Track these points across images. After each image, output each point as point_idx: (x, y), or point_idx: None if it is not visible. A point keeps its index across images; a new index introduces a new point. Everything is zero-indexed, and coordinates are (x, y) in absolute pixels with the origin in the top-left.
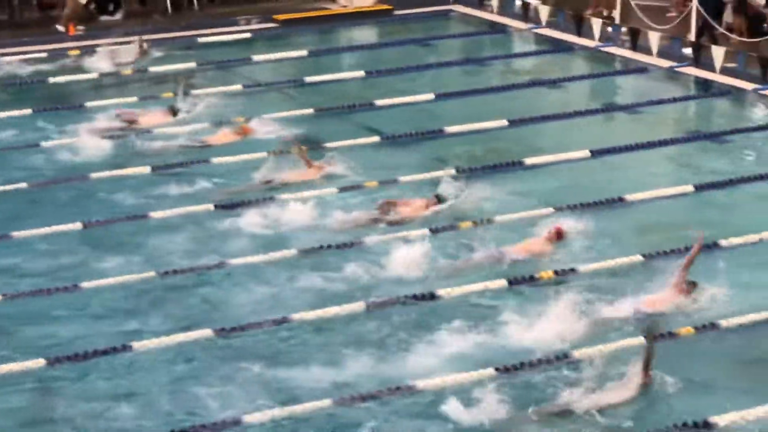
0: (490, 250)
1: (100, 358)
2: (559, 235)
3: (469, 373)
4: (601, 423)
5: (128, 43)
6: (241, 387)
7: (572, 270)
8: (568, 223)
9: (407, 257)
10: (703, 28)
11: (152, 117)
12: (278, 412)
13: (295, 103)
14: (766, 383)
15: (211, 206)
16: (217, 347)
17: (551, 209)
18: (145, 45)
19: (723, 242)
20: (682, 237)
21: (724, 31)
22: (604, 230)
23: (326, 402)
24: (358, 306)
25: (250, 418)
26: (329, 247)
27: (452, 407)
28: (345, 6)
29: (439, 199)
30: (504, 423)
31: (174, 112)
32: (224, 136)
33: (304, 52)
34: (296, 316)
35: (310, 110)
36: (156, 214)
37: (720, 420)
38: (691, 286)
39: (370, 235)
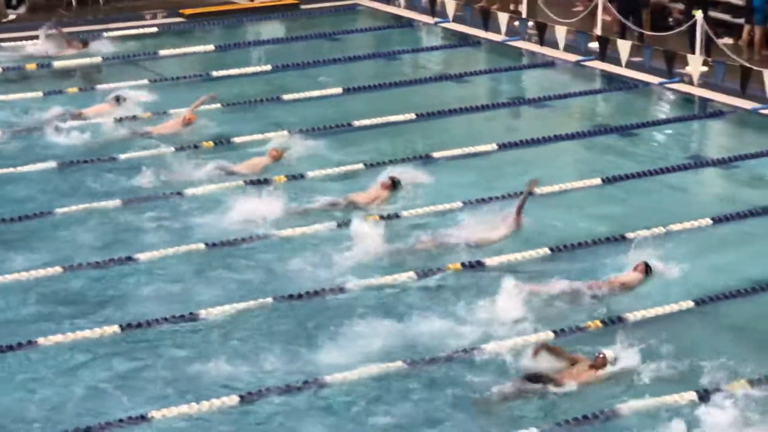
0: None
1: (6, 353)
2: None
3: (378, 366)
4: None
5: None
6: (148, 383)
7: (479, 263)
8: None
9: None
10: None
11: (97, 108)
12: (186, 408)
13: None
14: (666, 375)
15: (118, 201)
16: (123, 343)
17: (460, 203)
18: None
19: (630, 234)
20: (589, 230)
21: (631, 26)
22: None
23: (234, 398)
24: (266, 301)
25: (157, 415)
26: (240, 240)
27: (362, 401)
28: (251, 0)
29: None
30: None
31: (118, 101)
32: (170, 125)
33: (210, 47)
34: (203, 311)
35: (218, 105)
36: (62, 210)
37: (626, 407)
38: (646, 268)
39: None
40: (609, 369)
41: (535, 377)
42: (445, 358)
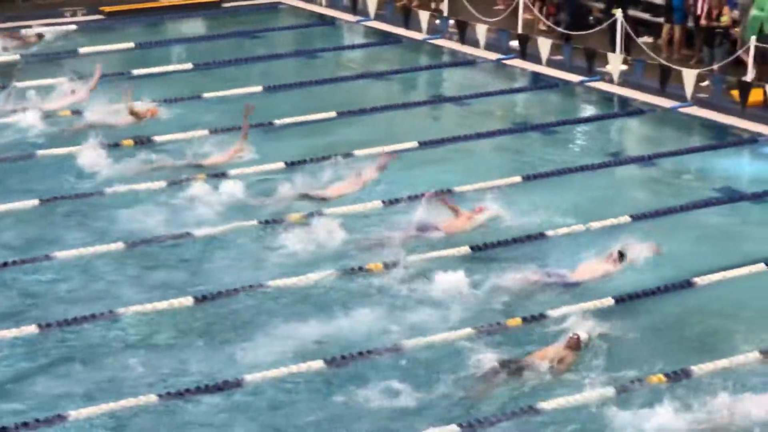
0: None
1: None
2: (621, 257)
3: (298, 366)
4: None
5: None
6: (66, 382)
7: (394, 264)
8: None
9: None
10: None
11: (58, 100)
12: (104, 407)
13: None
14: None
15: (36, 201)
16: (39, 342)
17: (379, 202)
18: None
19: (549, 233)
20: (509, 227)
21: (551, 24)
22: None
23: (152, 398)
24: (186, 300)
25: (74, 414)
26: (162, 238)
27: (282, 400)
28: None
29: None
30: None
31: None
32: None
33: (131, 44)
34: (122, 309)
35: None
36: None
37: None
38: (620, 257)
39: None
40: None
41: (509, 362)
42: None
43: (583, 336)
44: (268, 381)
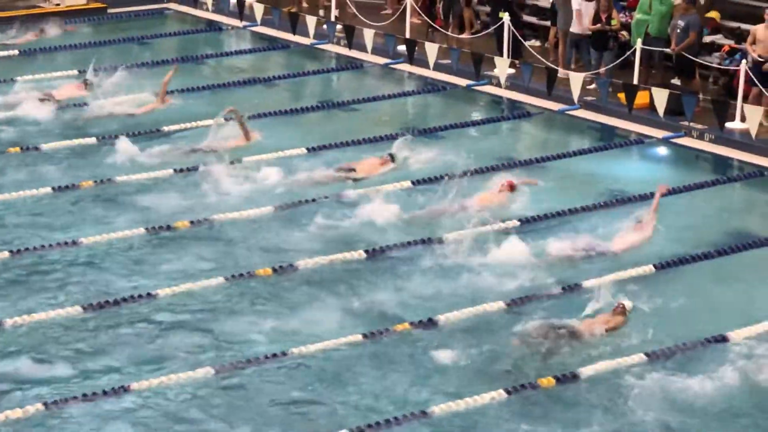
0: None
1: None
2: (511, 188)
3: (187, 373)
4: None
5: None
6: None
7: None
8: None
9: None
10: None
11: (66, 90)
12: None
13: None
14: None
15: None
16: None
17: (271, 208)
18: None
19: (448, 236)
20: (408, 230)
21: (439, 28)
22: (326, 226)
23: (39, 406)
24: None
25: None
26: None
27: (170, 407)
28: (57, 5)
29: (392, 158)
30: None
31: (87, 85)
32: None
33: (15, 52)
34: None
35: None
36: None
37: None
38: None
39: None
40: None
41: (559, 326)
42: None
43: (628, 304)
44: (155, 388)
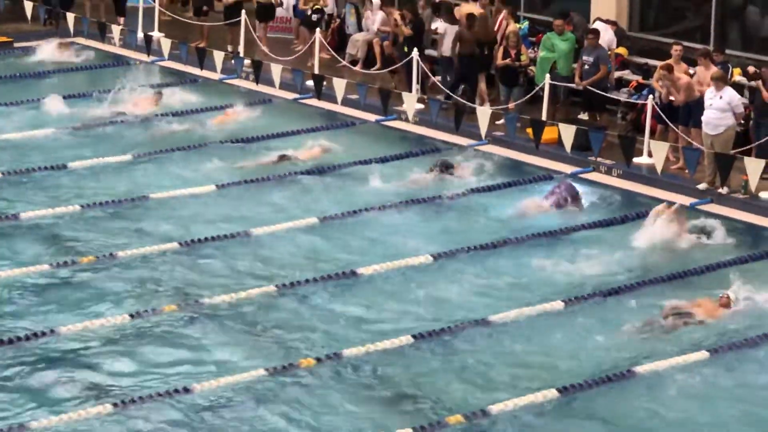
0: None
1: None
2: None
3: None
4: None
5: None
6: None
7: None
8: None
9: None
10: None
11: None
12: None
13: None
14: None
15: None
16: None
17: (176, 244)
18: None
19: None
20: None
21: (347, 63)
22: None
23: None
24: None
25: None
26: None
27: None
28: None
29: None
30: None
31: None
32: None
33: None
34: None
35: None
36: None
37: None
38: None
39: None
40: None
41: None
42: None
43: (733, 296)
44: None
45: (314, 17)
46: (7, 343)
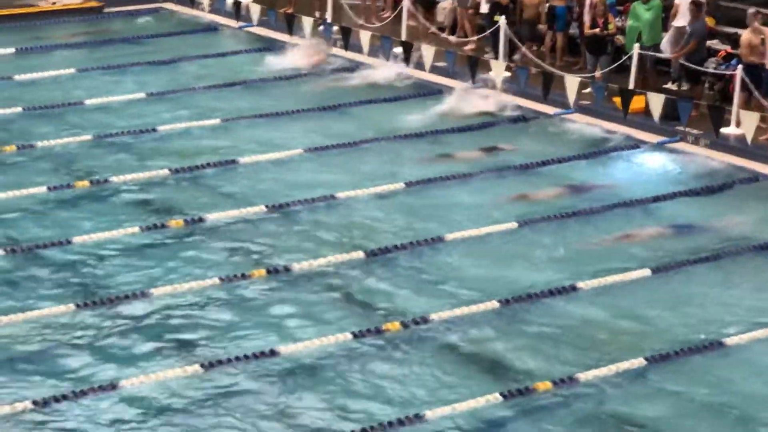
0: None
1: None
2: None
3: None
4: None
5: None
6: None
7: None
8: None
9: None
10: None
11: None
12: None
13: (4, 101)
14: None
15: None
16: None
17: (263, 207)
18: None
19: (449, 236)
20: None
21: (435, 31)
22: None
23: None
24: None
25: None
26: None
27: None
28: (53, 3)
29: None
30: None
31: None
32: None
33: (11, 50)
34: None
35: (19, 109)
36: None
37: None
38: None
39: None
40: None
41: None
42: None
43: None
44: None
45: None
46: (99, 305)
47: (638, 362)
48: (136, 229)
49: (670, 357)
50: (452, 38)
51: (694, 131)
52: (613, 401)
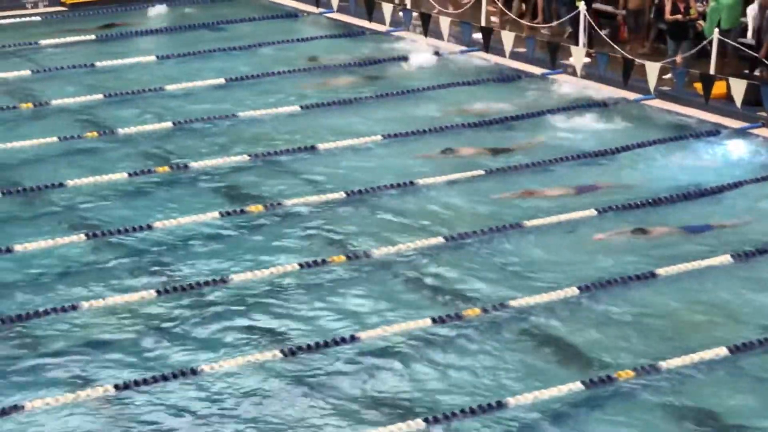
0: None
1: None
2: None
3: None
4: None
5: None
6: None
7: None
8: None
9: None
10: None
11: None
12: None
13: (86, 88)
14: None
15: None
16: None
17: (342, 194)
18: None
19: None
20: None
21: (515, 17)
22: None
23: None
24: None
25: None
26: None
27: None
28: None
29: None
30: None
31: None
32: None
33: (92, 36)
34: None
35: (100, 96)
36: None
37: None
38: None
39: None
40: None
41: None
42: None
43: None
44: None
45: None
46: (180, 291)
47: (720, 351)
48: (216, 214)
49: (754, 346)
50: (534, 24)
51: None
52: (695, 390)
